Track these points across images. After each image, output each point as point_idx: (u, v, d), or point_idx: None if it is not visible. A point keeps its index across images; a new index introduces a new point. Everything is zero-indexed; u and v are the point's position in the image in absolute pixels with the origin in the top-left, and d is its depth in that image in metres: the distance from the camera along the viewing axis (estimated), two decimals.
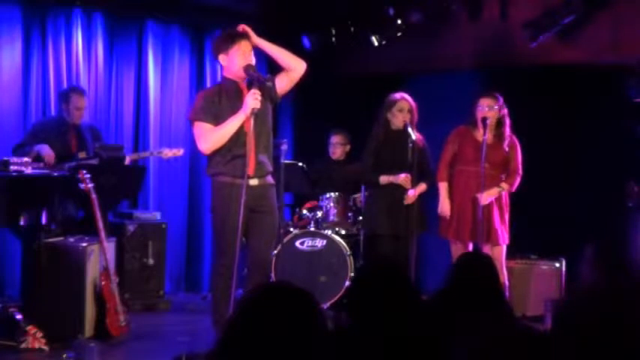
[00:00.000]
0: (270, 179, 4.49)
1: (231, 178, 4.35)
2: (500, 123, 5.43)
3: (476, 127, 5.51)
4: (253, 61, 4.40)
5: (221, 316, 4.39)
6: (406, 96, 5.57)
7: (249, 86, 4.40)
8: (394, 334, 2.13)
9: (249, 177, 4.32)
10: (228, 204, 4.34)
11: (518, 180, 5.50)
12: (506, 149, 5.48)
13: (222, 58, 4.43)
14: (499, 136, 5.45)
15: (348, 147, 6.70)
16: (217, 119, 4.36)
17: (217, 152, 4.38)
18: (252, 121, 4.30)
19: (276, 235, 4.57)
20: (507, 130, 5.48)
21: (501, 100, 5.45)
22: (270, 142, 4.51)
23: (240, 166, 4.29)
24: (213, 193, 4.48)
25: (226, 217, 4.35)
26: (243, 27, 4.44)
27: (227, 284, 4.40)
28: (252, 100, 4.25)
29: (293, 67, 4.48)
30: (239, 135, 4.32)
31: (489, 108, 5.42)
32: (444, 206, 5.49)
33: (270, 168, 4.49)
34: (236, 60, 4.36)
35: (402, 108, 5.52)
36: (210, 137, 4.35)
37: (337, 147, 6.68)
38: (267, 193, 4.42)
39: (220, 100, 4.40)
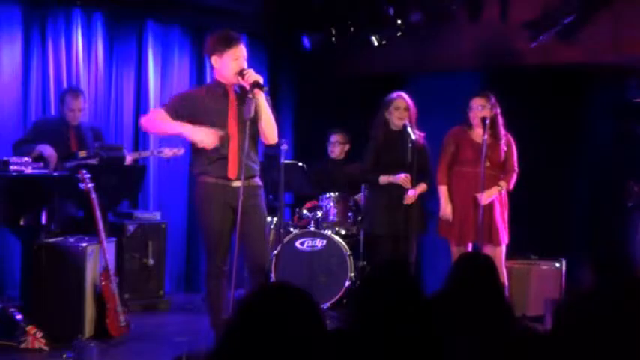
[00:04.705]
0: (256, 181, 4.46)
1: (213, 178, 4.35)
2: (493, 122, 5.43)
3: (471, 128, 5.51)
4: (246, 67, 4.36)
5: (218, 316, 4.39)
6: (403, 94, 5.58)
7: (241, 94, 4.38)
8: (394, 335, 2.13)
9: (232, 180, 4.32)
10: (210, 205, 4.35)
11: (515, 177, 5.51)
12: (504, 148, 5.48)
13: (214, 60, 4.39)
14: (495, 135, 5.45)
15: (347, 146, 6.71)
16: (183, 118, 4.35)
17: (204, 152, 4.36)
18: (236, 126, 4.31)
19: (266, 234, 4.52)
20: (502, 129, 5.48)
21: (493, 98, 5.46)
22: (256, 145, 4.48)
23: (223, 168, 4.32)
24: (196, 193, 4.47)
25: (209, 218, 4.36)
26: None
27: (220, 284, 4.41)
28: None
29: (266, 136, 4.41)
30: (224, 137, 4.32)
31: (482, 107, 5.42)
32: (446, 210, 5.49)
33: (256, 171, 4.45)
34: (230, 64, 4.33)
35: (399, 106, 5.54)
36: (154, 121, 4.48)
37: (336, 146, 6.69)
38: (251, 195, 4.37)
39: (204, 101, 4.38)
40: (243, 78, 4.29)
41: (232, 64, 4.33)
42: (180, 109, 4.39)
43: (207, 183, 4.37)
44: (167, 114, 4.37)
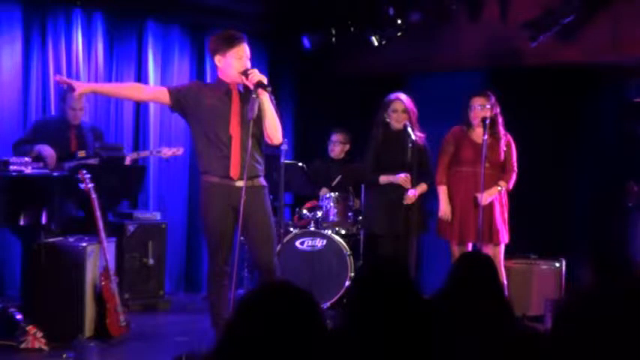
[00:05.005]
0: (260, 181, 4.44)
1: (216, 178, 4.34)
2: (493, 122, 5.42)
3: (471, 128, 5.51)
4: (249, 66, 4.36)
5: (219, 316, 4.38)
6: (401, 96, 5.58)
7: (244, 94, 4.38)
8: (394, 335, 2.13)
9: (234, 179, 4.31)
10: (212, 204, 4.35)
11: (514, 178, 5.51)
12: (504, 148, 5.48)
13: (218, 59, 4.38)
14: (495, 135, 5.45)
15: (347, 146, 6.70)
16: (182, 108, 4.41)
17: (207, 150, 4.37)
18: (239, 126, 4.30)
19: (272, 234, 4.49)
20: (502, 129, 5.48)
21: (493, 98, 5.46)
22: (260, 145, 4.44)
23: (226, 167, 4.31)
24: (200, 192, 4.48)
25: (211, 218, 4.36)
26: None
27: (221, 284, 4.40)
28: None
29: (270, 136, 4.36)
30: (226, 137, 4.32)
31: (482, 107, 5.42)
32: (445, 210, 5.49)
33: (259, 171, 4.43)
34: (233, 63, 4.31)
35: (396, 108, 5.55)
36: (145, 89, 4.89)
37: (337, 145, 6.68)
38: (255, 194, 4.35)
39: (206, 98, 4.38)
40: (247, 78, 4.27)
41: (236, 63, 4.32)
42: (182, 99, 4.41)
43: (210, 182, 4.37)
44: (167, 92, 4.44)
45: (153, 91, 4.78)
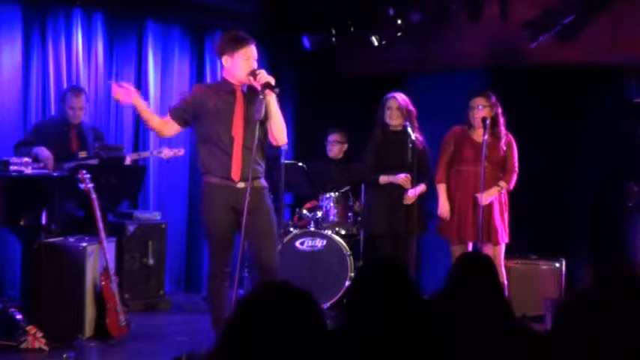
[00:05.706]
0: (261, 182, 4.43)
1: (217, 179, 4.34)
2: (494, 122, 5.43)
3: (472, 127, 5.51)
4: (256, 67, 4.35)
5: (218, 317, 4.38)
6: (396, 95, 5.60)
7: (248, 95, 4.37)
8: (394, 334, 2.13)
9: (235, 181, 4.31)
10: (213, 205, 4.35)
11: (515, 178, 5.51)
12: (504, 148, 5.49)
13: (225, 59, 4.39)
14: (495, 134, 5.45)
15: (345, 146, 6.70)
16: (187, 115, 4.40)
17: (209, 151, 4.37)
18: (242, 127, 4.30)
19: (274, 234, 4.49)
20: (503, 129, 5.49)
21: (494, 98, 5.46)
22: (263, 147, 4.43)
23: (227, 169, 4.31)
24: (201, 192, 4.48)
25: (212, 219, 4.36)
26: None
27: (221, 285, 4.40)
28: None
29: (275, 137, 4.37)
30: (228, 138, 4.31)
31: (482, 107, 5.43)
32: (444, 208, 5.50)
33: (260, 173, 4.41)
34: (240, 64, 4.32)
35: (391, 106, 5.58)
36: (169, 129, 4.49)
37: (334, 145, 6.69)
38: (255, 196, 4.31)
39: (212, 100, 4.37)
40: (255, 78, 4.28)
41: (243, 64, 4.32)
42: (186, 116, 4.42)
43: (211, 183, 4.37)
44: (173, 122, 4.43)
45: (172, 130, 4.53)
